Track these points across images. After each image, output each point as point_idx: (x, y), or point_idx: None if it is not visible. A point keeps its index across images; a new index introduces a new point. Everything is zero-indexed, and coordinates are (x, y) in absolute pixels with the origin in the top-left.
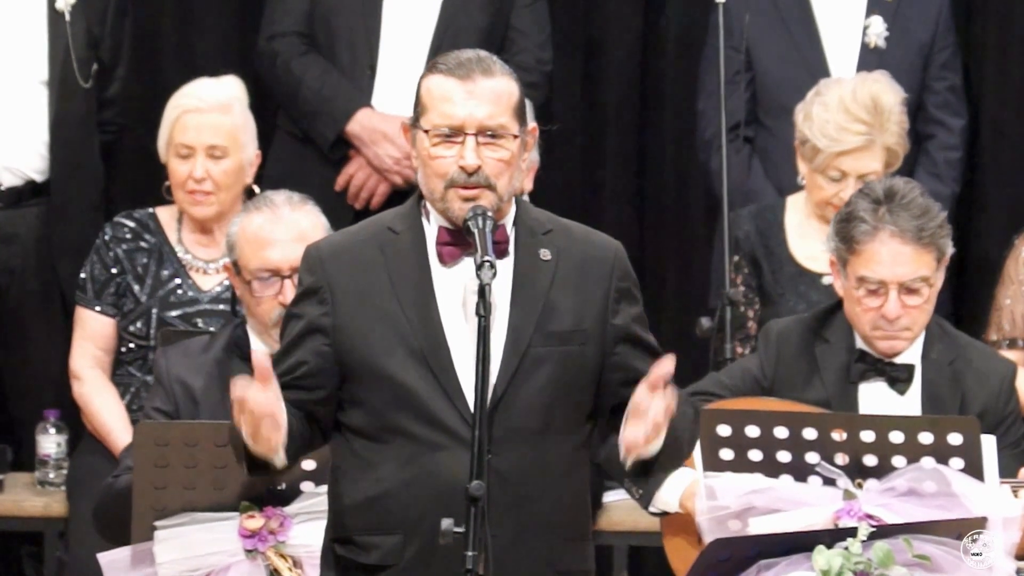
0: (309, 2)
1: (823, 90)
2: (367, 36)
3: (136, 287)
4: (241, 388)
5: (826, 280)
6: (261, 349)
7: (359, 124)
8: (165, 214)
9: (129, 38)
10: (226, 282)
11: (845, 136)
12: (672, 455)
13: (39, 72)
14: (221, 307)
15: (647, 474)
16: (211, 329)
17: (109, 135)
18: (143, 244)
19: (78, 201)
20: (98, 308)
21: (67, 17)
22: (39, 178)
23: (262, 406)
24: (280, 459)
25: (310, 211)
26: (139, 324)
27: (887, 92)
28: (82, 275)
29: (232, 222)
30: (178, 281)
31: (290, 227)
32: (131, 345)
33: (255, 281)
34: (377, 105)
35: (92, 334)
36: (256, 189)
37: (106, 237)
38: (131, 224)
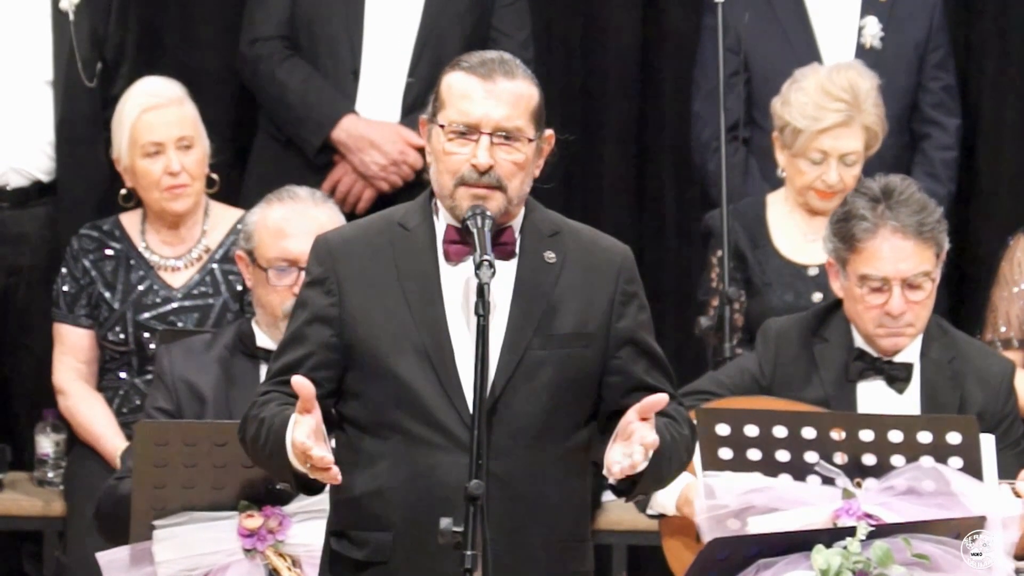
0: (290, 6)
1: (799, 78)
2: (350, 40)
3: (108, 295)
4: (303, 442)
5: (811, 272)
6: (267, 344)
7: (344, 131)
8: (128, 219)
9: (133, 37)
10: (196, 276)
11: (824, 114)
12: (656, 476)
13: (43, 72)
14: (190, 303)
15: (630, 492)
16: (181, 324)
17: None
18: (108, 252)
19: (84, 201)
20: (73, 321)
21: (71, 17)
22: (45, 178)
23: (315, 430)
24: (335, 472)
25: (331, 208)
26: (117, 330)
27: (862, 77)
28: (54, 290)
29: (251, 211)
30: (148, 283)
31: (311, 221)
32: (114, 353)
33: (271, 270)
34: (360, 109)
35: (71, 347)
36: (215, 177)
37: (72, 250)
38: (95, 234)
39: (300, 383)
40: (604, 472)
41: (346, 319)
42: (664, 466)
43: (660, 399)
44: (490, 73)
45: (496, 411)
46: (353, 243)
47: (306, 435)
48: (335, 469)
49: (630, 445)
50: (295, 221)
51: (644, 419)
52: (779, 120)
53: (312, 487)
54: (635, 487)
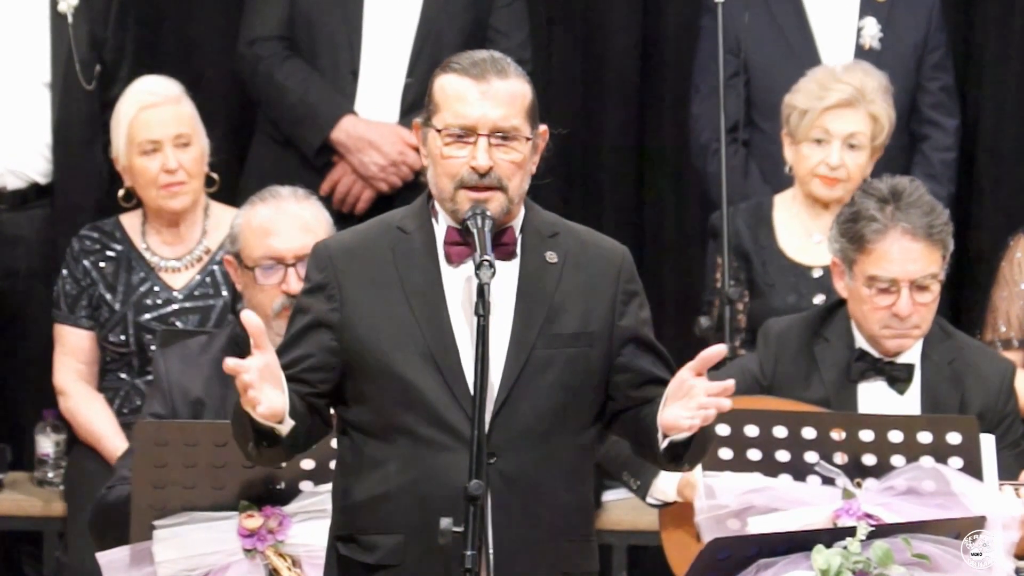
0: (289, 6)
1: (809, 73)
2: (348, 40)
3: (108, 296)
4: (234, 363)
5: (815, 274)
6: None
7: (344, 132)
8: (128, 220)
9: (132, 39)
10: (197, 277)
11: (829, 93)
12: (701, 445)
13: (42, 74)
14: (191, 304)
15: (676, 461)
16: (182, 325)
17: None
18: (110, 253)
19: (82, 203)
20: (74, 322)
21: (69, 19)
22: (43, 180)
23: (261, 369)
24: (287, 426)
25: (314, 204)
26: (118, 331)
27: (870, 76)
28: (55, 291)
29: (236, 214)
30: (149, 284)
31: (294, 218)
32: (115, 354)
33: (258, 269)
34: (359, 109)
35: (72, 348)
36: (215, 176)
37: (73, 251)
38: (96, 235)
39: (247, 317)
40: (662, 431)
41: (348, 324)
42: (709, 431)
43: (719, 351)
44: (483, 74)
45: (503, 410)
46: (353, 249)
47: (247, 364)
48: (252, 383)
49: (692, 400)
50: (279, 219)
51: (699, 375)
52: (787, 109)
53: (268, 434)
54: (687, 450)
